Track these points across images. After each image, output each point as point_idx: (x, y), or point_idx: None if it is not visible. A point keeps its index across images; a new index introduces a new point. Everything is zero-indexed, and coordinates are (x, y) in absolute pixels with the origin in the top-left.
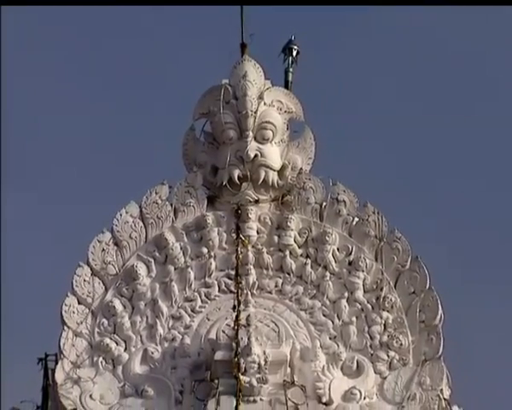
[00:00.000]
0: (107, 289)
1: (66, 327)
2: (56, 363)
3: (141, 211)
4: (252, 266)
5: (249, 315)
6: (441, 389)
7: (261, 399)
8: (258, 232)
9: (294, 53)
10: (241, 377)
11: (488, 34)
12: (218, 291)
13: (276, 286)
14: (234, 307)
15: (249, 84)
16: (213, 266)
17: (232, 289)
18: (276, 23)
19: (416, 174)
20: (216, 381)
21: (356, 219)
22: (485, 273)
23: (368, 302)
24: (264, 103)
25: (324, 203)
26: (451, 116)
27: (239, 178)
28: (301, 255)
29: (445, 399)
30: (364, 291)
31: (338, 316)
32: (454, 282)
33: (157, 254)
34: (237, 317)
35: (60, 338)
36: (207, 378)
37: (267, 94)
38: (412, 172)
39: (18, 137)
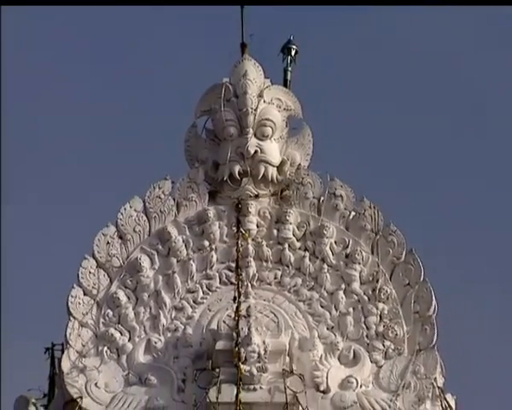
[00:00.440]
0: (111, 281)
1: (72, 318)
2: (63, 352)
3: (144, 205)
4: (252, 259)
5: (249, 306)
6: (435, 378)
7: (261, 387)
8: (257, 226)
9: (293, 53)
10: (242, 366)
11: (488, 34)
12: (219, 283)
13: (275, 278)
14: (234, 299)
15: (249, 83)
16: (214, 259)
17: (233, 280)
18: (276, 23)
19: (412, 169)
20: (217, 370)
21: (352, 213)
22: (478, 266)
23: (364, 294)
24: (264, 101)
25: (322, 198)
26: (447, 113)
27: (239, 173)
28: (300, 248)
29: (438, 387)
30: (361, 283)
31: (335, 307)
32: (448, 274)
33: (160, 247)
34: (238, 308)
35: (66, 328)
36: (209, 367)
37: (267, 92)
38: (407, 167)
39: (19, 136)
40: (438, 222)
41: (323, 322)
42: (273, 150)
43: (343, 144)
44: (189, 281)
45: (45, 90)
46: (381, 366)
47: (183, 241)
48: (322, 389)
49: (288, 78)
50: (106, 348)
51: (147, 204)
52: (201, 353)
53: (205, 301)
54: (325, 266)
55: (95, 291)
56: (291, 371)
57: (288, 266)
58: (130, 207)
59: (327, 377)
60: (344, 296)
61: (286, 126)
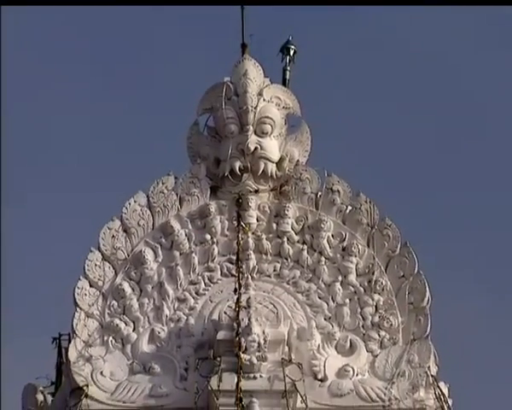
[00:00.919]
0: (116, 273)
1: (78, 309)
2: (69, 342)
3: (148, 200)
4: (252, 252)
5: (249, 297)
6: (428, 367)
7: (261, 376)
8: (257, 220)
9: (292, 52)
10: (242, 355)
11: (488, 34)
12: (221, 275)
13: (274, 270)
14: (235, 290)
15: (249, 82)
16: (216, 252)
17: (233, 273)
18: (275, 24)
19: (407, 165)
20: (218, 359)
21: (349, 207)
22: (471, 258)
23: (360, 285)
24: (264, 100)
25: (320, 193)
26: (442, 111)
27: (240, 169)
28: (298, 241)
29: (432, 375)
30: (357, 275)
31: (332, 298)
32: (442, 266)
33: (163, 240)
34: (238, 299)
35: (72, 319)
36: (210, 356)
37: (266, 91)
38: (403, 163)
39: (22, 135)
40: (432, 216)
41: (321, 313)
42: (272, 147)
43: (340, 141)
44: (192, 273)
45: (45, 90)
46: (376, 356)
47: (186, 234)
48: (319, 377)
49: (287, 77)
50: (111, 338)
51: (150, 199)
52: (203, 342)
53: (206, 292)
54: (323, 258)
55: (100, 283)
56: (290, 360)
57: (286, 259)
58: (135, 201)
59: (324, 366)
60: (341, 288)
61: (285, 124)
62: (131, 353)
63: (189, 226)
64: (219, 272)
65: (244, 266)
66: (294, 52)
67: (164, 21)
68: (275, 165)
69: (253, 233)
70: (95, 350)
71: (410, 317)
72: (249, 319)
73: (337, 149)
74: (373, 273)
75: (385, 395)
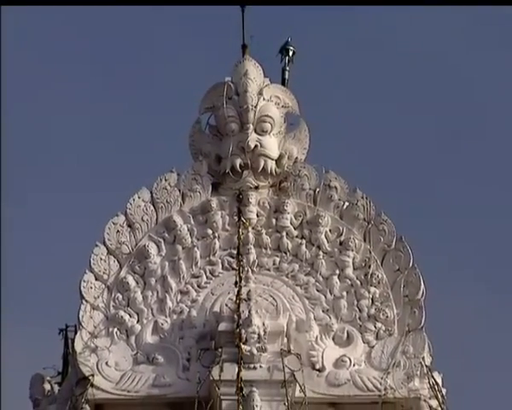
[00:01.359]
0: (121, 267)
1: (84, 301)
2: (75, 333)
3: (152, 196)
4: (252, 246)
5: (250, 290)
6: (423, 357)
7: (261, 366)
8: (257, 215)
9: (291, 53)
10: (243, 346)
11: (488, 34)
12: (222, 269)
13: (274, 264)
14: (236, 283)
15: (250, 82)
16: (217, 246)
17: (234, 266)
18: (274, 25)
19: (402, 162)
20: (220, 350)
21: (346, 203)
22: (464, 252)
23: (357, 279)
24: (264, 99)
25: (318, 189)
26: (438, 108)
27: (240, 166)
28: (297, 236)
29: (426, 366)
30: (354, 268)
31: (330, 291)
32: (436, 260)
33: (166, 235)
34: (239, 292)
35: (79, 311)
36: (212, 347)
37: (266, 90)
38: (398, 160)
39: (25, 134)
40: (427, 211)
41: (319, 305)
42: (272, 145)
43: (338, 139)
44: (194, 267)
45: (45, 90)
46: (372, 346)
47: (188, 229)
48: (317, 367)
49: (286, 77)
50: (116, 330)
51: (154, 195)
52: (205, 334)
53: (208, 285)
54: (320, 252)
55: (105, 276)
56: (289, 350)
57: (285, 253)
58: (139, 197)
59: (322, 357)
60: (338, 281)
61: (284, 122)
62: (135, 344)
63: (192, 221)
64: (220, 266)
65: (244, 260)
66: (293, 53)
67: (165, 22)
68: (274, 162)
69: (253, 228)
70: (100, 341)
71: (405, 309)
72: (249, 311)
73: (335, 146)
74: (369, 267)
75: (381, 384)
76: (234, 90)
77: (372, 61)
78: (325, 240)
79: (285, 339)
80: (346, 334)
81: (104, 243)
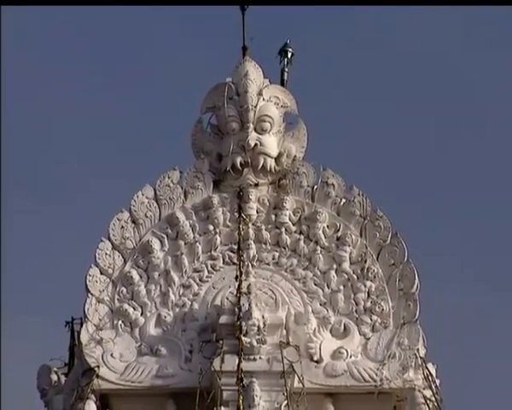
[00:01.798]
0: (125, 262)
1: (90, 294)
2: (81, 326)
3: (155, 193)
4: (252, 242)
5: (250, 284)
6: (417, 349)
7: (260, 357)
8: (257, 212)
9: (289, 55)
10: (243, 338)
11: (487, 34)
12: (223, 263)
13: (273, 259)
14: (236, 277)
15: (250, 82)
16: (218, 241)
17: (235, 261)
18: (274, 28)
19: (398, 160)
20: (221, 342)
21: (343, 200)
22: (457, 246)
23: (353, 273)
24: (263, 99)
25: (315, 186)
26: (432, 106)
27: (241, 164)
28: (295, 232)
29: (420, 357)
30: (350, 263)
31: (327, 285)
32: (431, 254)
33: (169, 230)
34: (239, 286)
35: (84, 304)
36: (213, 339)
37: (265, 91)
38: (394, 157)
39: (25, 134)
40: (422, 207)
41: (317, 298)
42: (271, 143)
43: (335, 138)
44: (196, 261)
45: (45, 90)
46: (368, 338)
47: (190, 225)
48: (315, 359)
49: (285, 78)
50: (120, 322)
51: (157, 192)
52: (206, 326)
53: (210, 279)
54: (318, 247)
55: (110, 271)
56: (287, 342)
57: (284, 248)
58: (143, 194)
59: (320, 349)
60: (335, 275)
61: (283, 122)
62: (139, 336)
63: (194, 218)
64: (221, 261)
65: (245, 255)
66: (292, 54)
67: (167, 23)
68: (273, 160)
69: (253, 224)
70: (105, 333)
71: (400, 302)
72: (249, 305)
73: (332, 145)
74: (365, 261)
75: (376, 375)
76: (234, 91)
77: (370, 60)
78: (323, 235)
79: (284, 331)
80: (342, 326)
81: (109, 239)
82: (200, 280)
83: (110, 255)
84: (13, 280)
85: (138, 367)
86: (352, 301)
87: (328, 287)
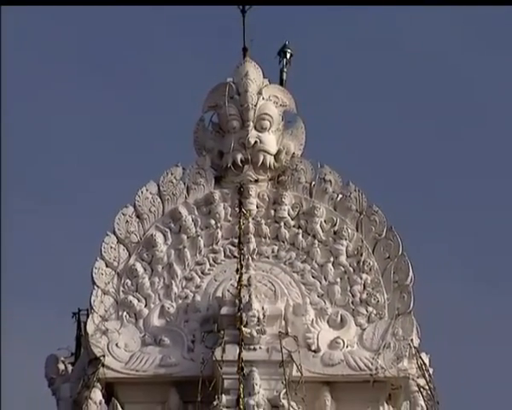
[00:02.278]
0: (130, 255)
1: (95, 286)
2: (87, 317)
3: (159, 189)
4: (252, 236)
5: (250, 277)
6: (411, 339)
7: (260, 347)
8: (257, 207)
9: (288, 55)
10: (243, 328)
11: (486, 34)
12: (224, 256)
13: (272, 252)
14: (237, 270)
15: (250, 82)
16: (220, 236)
17: (235, 254)
18: (273, 30)
19: (393, 156)
20: (222, 332)
21: (340, 195)
22: (451, 239)
23: (350, 266)
24: (263, 98)
25: (313, 182)
26: (424, 105)
27: (241, 161)
28: (294, 226)
29: (414, 347)
30: (347, 256)
31: (325, 277)
32: (425, 247)
33: (172, 225)
34: (240, 278)
35: (90, 296)
36: (215, 330)
37: (265, 90)
38: (390, 154)
39: (20, 134)
40: (416, 202)
41: (314, 290)
42: (271, 141)
43: (332, 136)
44: (198, 255)
45: (45, 90)
46: (364, 329)
47: (193, 220)
48: (313, 348)
49: (284, 77)
50: (125, 313)
51: (161, 188)
52: (208, 317)
53: (211, 272)
54: (316, 241)
55: (115, 264)
56: (286, 333)
57: (283, 242)
58: (147, 190)
59: (317, 339)
60: (332, 268)
61: (282, 120)
62: (143, 326)
63: (196, 212)
64: (223, 254)
65: (245, 249)
66: (291, 55)
67: (170, 24)
68: (273, 157)
69: (253, 219)
70: (110, 324)
71: (394, 294)
72: (250, 296)
73: (329, 142)
74: (361, 255)
75: (372, 364)
76: (235, 90)
77: (366, 60)
78: (320, 230)
79: (283, 322)
80: (339, 317)
81: (114, 233)
82: (202, 273)
83: (115, 249)
84: (22, 274)
85: (142, 357)
86: (349, 293)
87: (326, 279)
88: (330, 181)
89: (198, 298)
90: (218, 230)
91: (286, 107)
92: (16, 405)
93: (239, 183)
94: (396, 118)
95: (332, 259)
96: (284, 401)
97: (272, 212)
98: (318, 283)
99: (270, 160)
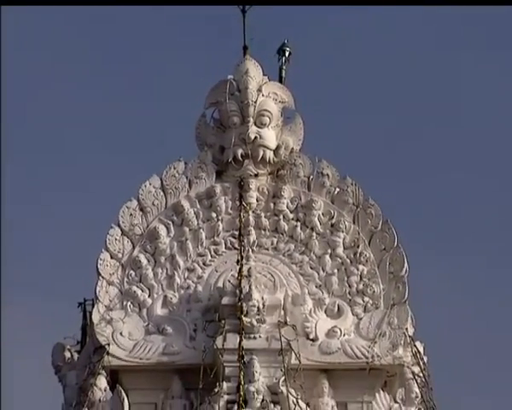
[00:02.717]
0: (134, 247)
1: (101, 277)
2: (93, 306)
3: (161, 183)
4: (252, 228)
5: (250, 268)
6: (406, 328)
7: (260, 336)
8: (257, 200)
9: (287, 54)
10: (244, 318)
11: (486, 34)
12: (225, 248)
13: (272, 244)
14: (237, 261)
15: (250, 80)
16: (221, 228)
17: (236, 246)
18: (272, 29)
19: (389, 152)
20: (223, 321)
21: (337, 189)
22: (444, 231)
23: (347, 257)
24: (263, 95)
25: (311, 176)
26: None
27: (242, 156)
28: (292, 219)
29: (409, 336)
30: (344, 248)
31: (322, 268)
32: (419, 239)
33: (175, 218)
34: (240, 269)
35: (96, 286)
36: (216, 319)
37: (265, 87)
38: (385, 149)
39: (19, 134)
40: (411, 196)
41: (312, 281)
42: (270, 136)
43: (330, 131)
44: (200, 246)
45: (45, 90)
46: (361, 318)
47: (195, 213)
48: (311, 337)
49: (283, 75)
50: (129, 303)
51: (163, 182)
52: (210, 307)
53: (212, 263)
54: (314, 234)
55: (120, 255)
56: (285, 322)
57: (282, 234)
58: (150, 184)
59: (315, 328)
60: (330, 259)
61: (281, 116)
62: (147, 316)
63: (197, 206)
64: (224, 246)
65: (245, 241)
66: (289, 53)
67: (172, 24)
68: (272, 152)
69: (253, 212)
70: (115, 313)
71: (390, 285)
72: (250, 287)
73: (327, 137)
74: (358, 247)
75: (368, 352)
76: (236, 87)
77: (362, 58)
78: (318, 222)
79: (282, 312)
80: (336, 307)
81: (119, 225)
82: (203, 264)
83: (120, 241)
84: (31, 266)
85: (146, 345)
86: (346, 284)
87: (323, 270)
88: (328, 175)
89: (200, 288)
90: (219, 222)
91: (285, 103)
92: (23, 392)
93: (239, 177)
94: (391, 114)
95: (329, 250)
96: (283, 388)
97: (272, 205)
98: (316, 274)
99: (269, 154)
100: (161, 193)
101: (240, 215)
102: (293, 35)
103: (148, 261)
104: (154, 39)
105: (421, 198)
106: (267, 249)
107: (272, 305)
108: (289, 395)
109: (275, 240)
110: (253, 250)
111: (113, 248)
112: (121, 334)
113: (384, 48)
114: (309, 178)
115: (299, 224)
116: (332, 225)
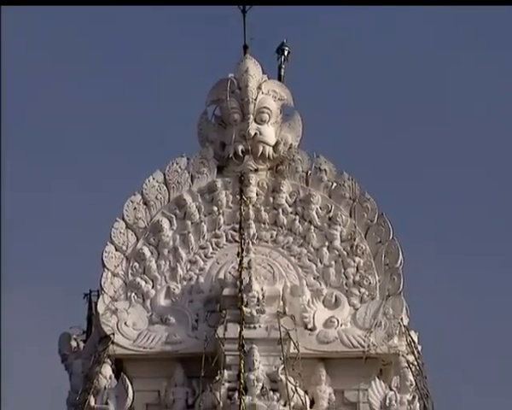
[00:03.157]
0: (138, 239)
1: (106, 269)
2: (98, 297)
3: (164, 177)
4: (252, 221)
5: (250, 260)
6: (401, 318)
7: (259, 326)
8: (257, 194)
9: (286, 53)
10: (244, 308)
11: (487, 33)
12: (226, 241)
13: (271, 237)
14: (238, 254)
15: (250, 78)
16: (222, 221)
17: (236, 239)
18: (272, 28)
19: (385, 147)
20: (224, 312)
21: (334, 184)
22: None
23: (344, 250)
24: (262, 93)
25: (309, 172)
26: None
27: (242, 151)
28: (291, 213)
29: (404, 325)
30: (341, 241)
31: (320, 260)
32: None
33: (177, 211)
34: (241, 261)
35: (101, 278)
36: (217, 310)
37: (264, 85)
38: (381, 144)
39: (19, 134)
40: (406, 189)
41: (310, 273)
42: (270, 133)
43: (327, 128)
44: (201, 239)
45: (45, 90)
46: (357, 309)
47: (196, 207)
48: (309, 327)
49: (282, 73)
50: (133, 294)
51: (166, 176)
52: (211, 298)
53: (214, 255)
54: (312, 227)
55: (124, 248)
56: (284, 312)
57: (281, 227)
58: (153, 179)
59: (313, 318)
60: (327, 252)
61: (280, 113)
62: (150, 306)
63: (199, 200)
64: (225, 239)
65: (246, 234)
66: (288, 52)
67: (173, 24)
68: (271, 148)
69: (253, 206)
70: (120, 304)
71: (385, 276)
72: (250, 278)
73: (325, 134)
74: (354, 239)
75: (364, 342)
76: (236, 85)
77: (359, 56)
78: (316, 216)
79: (281, 302)
80: (334, 298)
81: (123, 219)
82: (205, 256)
83: (124, 234)
84: (38, 259)
85: (149, 335)
86: (343, 275)
87: (321, 262)
88: (325, 170)
89: (201, 280)
90: (221, 216)
91: (284, 101)
92: (31, 379)
93: (240, 172)
94: (388, 112)
95: (327, 243)
96: (282, 376)
97: (271, 199)
98: (314, 265)
99: (269, 150)
100: (164, 187)
101: (240, 209)
102: (292, 35)
103: (152, 254)
104: (154, 39)
105: (421, 198)
106: (267, 242)
107: (272, 296)
108: (288, 383)
109: (274, 233)
110: (253, 243)
111: (118, 240)
112: (125, 324)
113: (383, 47)
114: (307, 173)
115: (297, 217)
116: (329, 219)
